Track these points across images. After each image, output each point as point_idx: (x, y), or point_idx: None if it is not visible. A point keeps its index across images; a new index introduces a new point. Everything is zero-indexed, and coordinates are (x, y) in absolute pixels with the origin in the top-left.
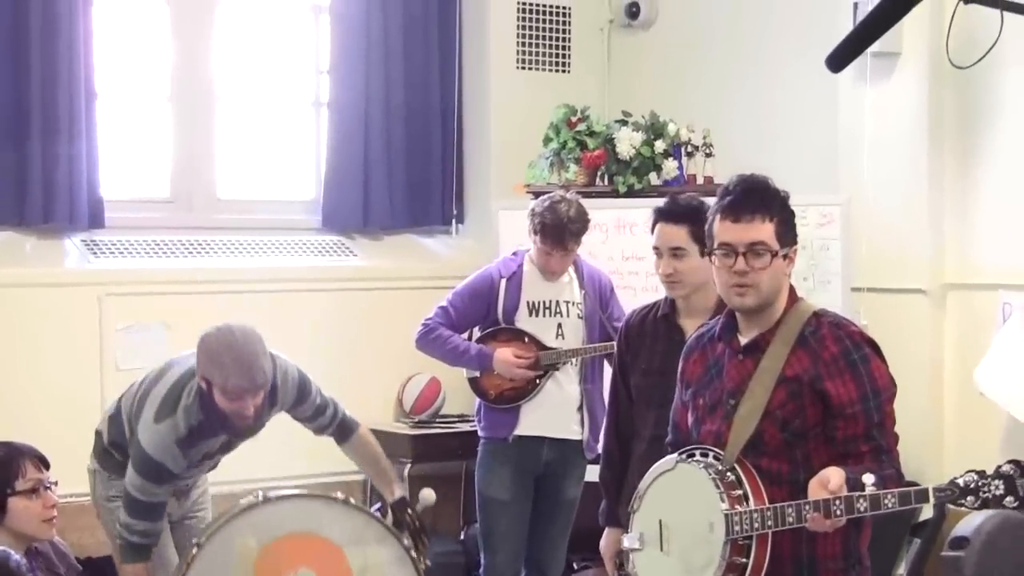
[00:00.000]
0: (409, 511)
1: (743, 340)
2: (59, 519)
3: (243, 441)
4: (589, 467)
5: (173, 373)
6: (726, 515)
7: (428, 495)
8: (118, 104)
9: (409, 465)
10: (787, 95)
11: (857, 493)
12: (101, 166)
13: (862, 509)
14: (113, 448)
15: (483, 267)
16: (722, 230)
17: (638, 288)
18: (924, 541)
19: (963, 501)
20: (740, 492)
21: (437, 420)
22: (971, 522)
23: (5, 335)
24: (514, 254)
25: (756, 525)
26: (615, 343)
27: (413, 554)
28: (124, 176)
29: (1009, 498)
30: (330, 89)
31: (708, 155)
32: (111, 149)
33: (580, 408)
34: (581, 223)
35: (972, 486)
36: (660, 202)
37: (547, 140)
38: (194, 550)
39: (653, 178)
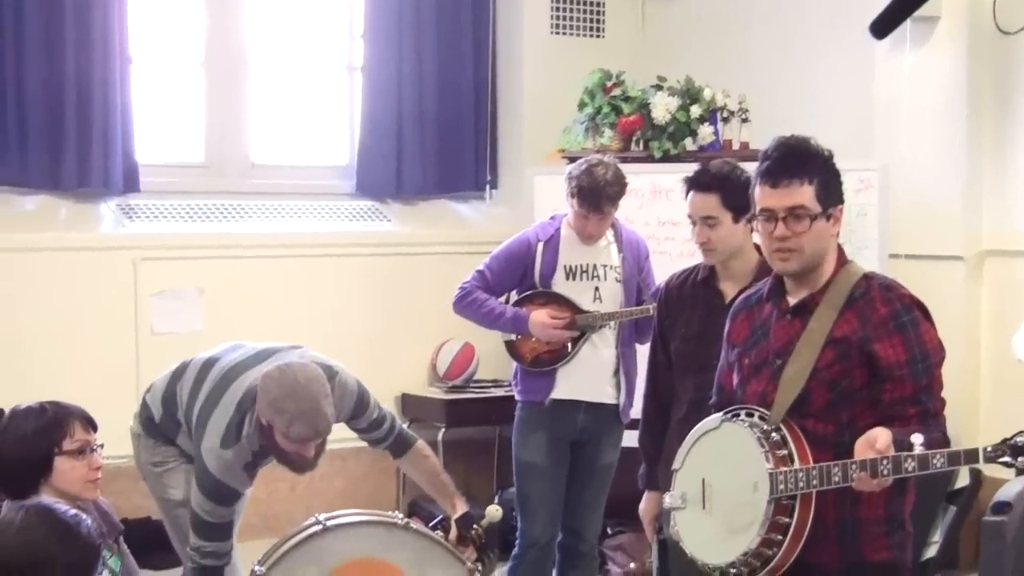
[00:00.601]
0: (475, 527)
1: (791, 301)
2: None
3: None
4: (626, 433)
5: (232, 396)
6: (771, 474)
7: (494, 512)
8: (152, 69)
9: (442, 430)
10: (824, 60)
11: (905, 453)
12: (136, 131)
13: (910, 469)
14: (161, 428)
15: (520, 231)
16: (762, 196)
17: (674, 253)
18: (960, 508)
19: (1014, 462)
20: (785, 452)
21: (471, 385)
22: (1013, 487)
23: (41, 299)
24: (552, 218)
25: (801, 484)
26: (653, 308)
27: (478, 574)
28: (158, 141)
29: None
30: (364, 54)
31: (744, 120)
32: (145, 114)
33: (616, 372)
34: (618, 187)
35: (1020, 446)
36: (692, 169)
37: (582, 105)
38: None
39: (689, 143)
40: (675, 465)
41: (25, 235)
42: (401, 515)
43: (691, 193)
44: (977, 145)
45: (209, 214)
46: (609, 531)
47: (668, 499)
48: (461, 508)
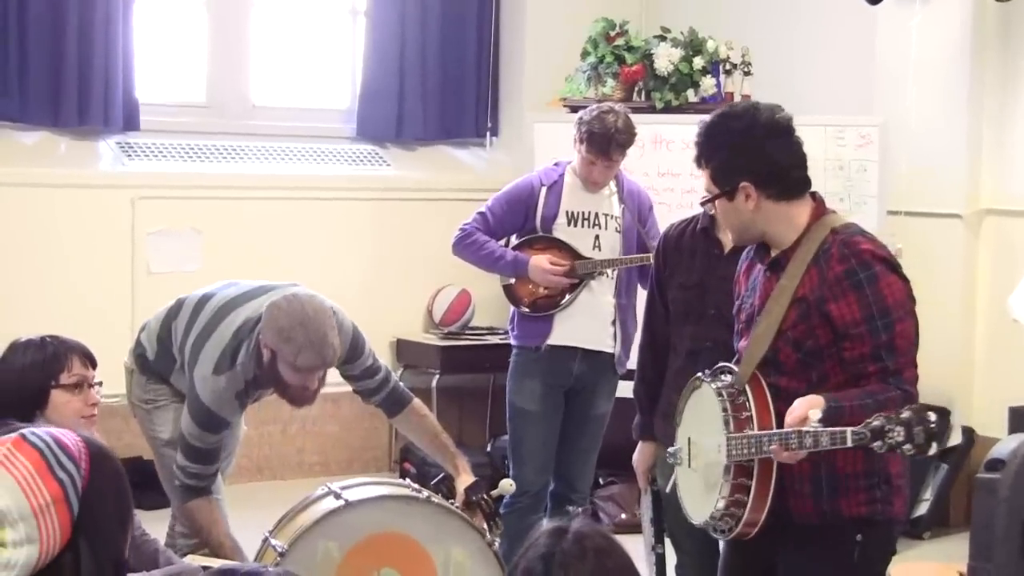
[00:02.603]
0: (484, 497)
1: (772, 255)
2: (97, 420)
3: None
4: (620, 383)
5: (228, 326)
6: (727, 439)
7: (507, 486)
8: (155, 8)
9: (437, 377)
10: (828, 14)
11: (806, 428)
12: (137, 69)
13: (808, 444)
14: (155, 365)
15: (521, 176)
16: None
17: (673, 205)
18: (951, 467)
19: (873, 445)
20: (748, 414)
21: (466, 332)
22: (1007, 445)
23: (38, 235)
24: (555, 164)
25: (753, 451)
26: (651, 256)
27: (496, 548)
28: (160, 80)
29: (907, 445)
30: None
31: (747, 73)
32: (147, 52)
33: (614, 322)
34: (628, 135)
35: (879, 430)
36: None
37: (585, 54)
38: (277, 558)
39: (691, 95)
40: (676, 420)
41: (24, 171)
42: (417, 486)
43: None
44: (979, 104)
45: (209, 154)
46: (601, 481)
47: (668, 454)
48: (464, 471)
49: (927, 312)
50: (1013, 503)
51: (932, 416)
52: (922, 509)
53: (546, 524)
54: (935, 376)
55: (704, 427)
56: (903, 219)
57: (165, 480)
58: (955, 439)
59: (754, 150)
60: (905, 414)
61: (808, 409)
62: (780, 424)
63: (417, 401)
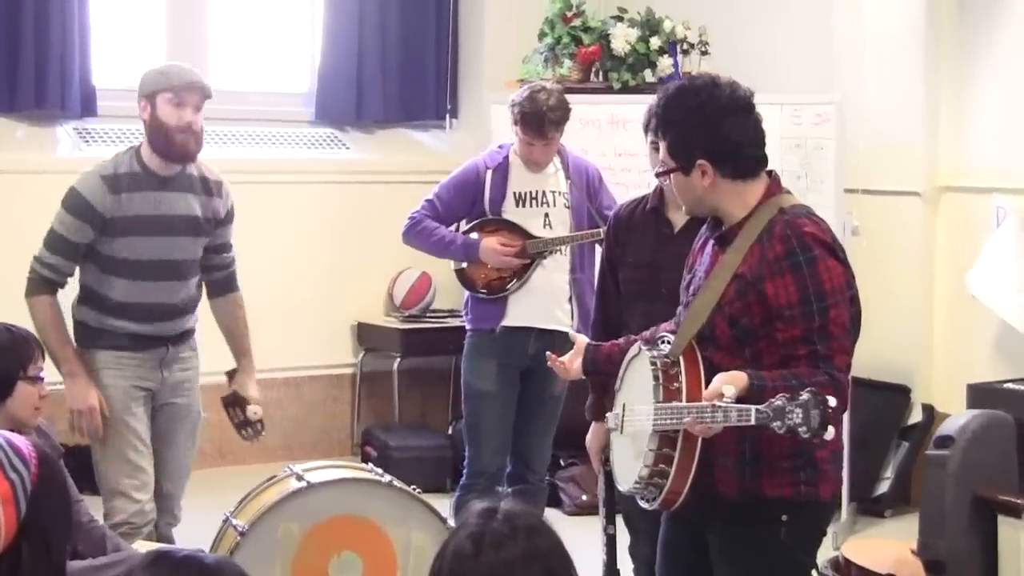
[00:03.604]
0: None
1: (723, 229)
2: (43, 409)
3: (186, 238)
4: None
5: None
6: (655, 408)
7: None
8: None
9: (398, 360)
10: None
11: (717, 403)
12: (94, 54)
13: (719, 419)
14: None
15: (469, 159)
16: None
17: (630, 184)
18: (912, 445)
19: (774, 424)
20: (678, 385)
21: (427, 315)
22: (956, 421)
23: None
24: (500, 147)
25: (675, 421)
26: (603, 232)
27: (449, 528)
28: (117, 64)
29: (803, 427)
30: None
31: (704, 53)
32: (105, 37)
33: (570, 299)
34: (561, 111)
35: (781, 410)
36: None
37: (542, 35)
38: (238, 537)
39: (648, 75)
40: (616, 386)
41: None
42: (380, 470)
43: None
44: (935, 82)
45: None
46: (562, 463)
47: (608, 419)
48: (245, 371)
49: (886, 290)
50: (962, 478)
51: (833, 401)
52: (883, 487)
53: (475, 505)
54: (895, 353)
55: (638, 395)
56: (861, 197)
57: (97, 460)
58: (915, 417)
59: (712, 128)
60: (804, 396)
61: (724, 385)
62: None
63: (240, 294)
